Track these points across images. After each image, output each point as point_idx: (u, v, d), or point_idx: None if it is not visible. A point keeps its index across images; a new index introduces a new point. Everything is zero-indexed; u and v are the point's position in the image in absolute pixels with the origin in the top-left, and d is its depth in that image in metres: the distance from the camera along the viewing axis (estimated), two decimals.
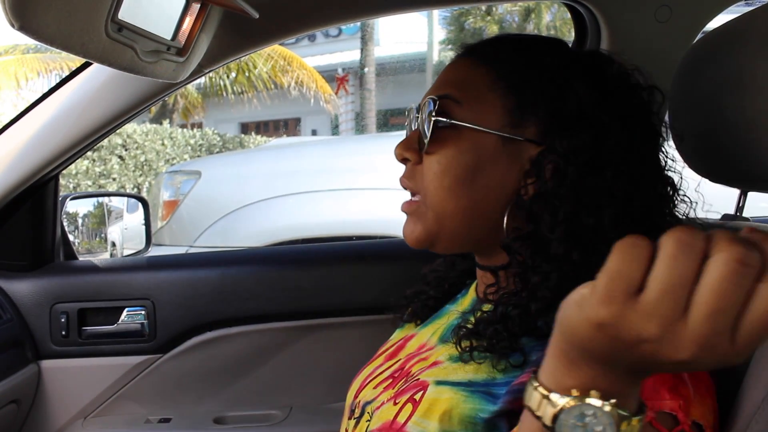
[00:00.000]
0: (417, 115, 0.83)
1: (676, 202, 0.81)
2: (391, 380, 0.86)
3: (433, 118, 0.78)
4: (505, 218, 0.78)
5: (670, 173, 0.81)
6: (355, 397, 0.90)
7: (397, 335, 1.00)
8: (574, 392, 0.47)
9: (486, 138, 0.77)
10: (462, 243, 0.83)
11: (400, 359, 0.90)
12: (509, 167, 0.78)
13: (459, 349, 0.76)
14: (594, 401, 0.46)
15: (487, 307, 0.82)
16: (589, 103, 0.76)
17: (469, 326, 0.78)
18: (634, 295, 0.41)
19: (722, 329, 0.40)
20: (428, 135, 0.79)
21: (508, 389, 0.70)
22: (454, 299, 0.96)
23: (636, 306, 0.41)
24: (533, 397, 0.49)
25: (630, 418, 0.46)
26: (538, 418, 0.48)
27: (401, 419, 0.75)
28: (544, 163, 0.76)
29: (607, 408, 0.46)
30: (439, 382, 0.76)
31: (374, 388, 0.87)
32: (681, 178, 0.82)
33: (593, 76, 0.79)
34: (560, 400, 0.47)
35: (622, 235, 0.45)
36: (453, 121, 0.78)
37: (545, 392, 0.48)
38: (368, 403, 0.85)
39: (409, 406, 0.75)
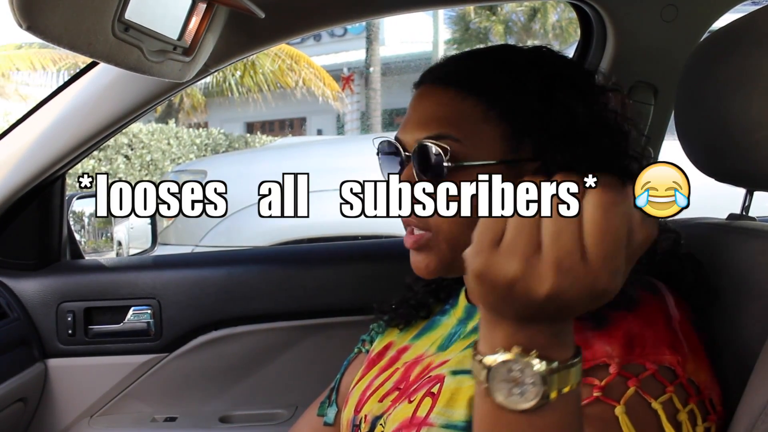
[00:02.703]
0: (406, 154, 0.82)
1: None
2: (397, 392, 0.86)
3: (445, 164, 0.77)
4: None
5: None
6: (356, 411, 0.90)
7: (378, 345, 1.00)
8: (499, 350, 0.51)
9: (491, 169, 0.78)
10: None
11: (398, 369, 0.90)
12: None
13: None
14: (514, 356, 0.50)
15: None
16: (577, 117, 0.78)
17: None
18: (498, 242, 0.47)
19: (570, 249, 0.45)
20: (440, 179, 0.78)
21: None
22: (443, 311, 0.96)
23: (499, 250, 0.47)
24: (473, 365, 0.53)
25: (558, 368, 0.50)
26: (480, 383, 0.52)
27: (421, 413, 0.75)
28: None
29: (528, 360, 0.49)
30: (455, 372, 0.77)
31: (380, 401, 0.87)
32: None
33: (575, 86, 0.81)
34: (487, 360, 0.51)
35: None
36: (464, 163, 0.78)
37: (479, 357, 0.52)
38: (378, 417, 0.85)
39: (428, 400, 0.76)
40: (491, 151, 0.79)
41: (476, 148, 0.78)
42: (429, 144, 0.79)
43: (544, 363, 0.49)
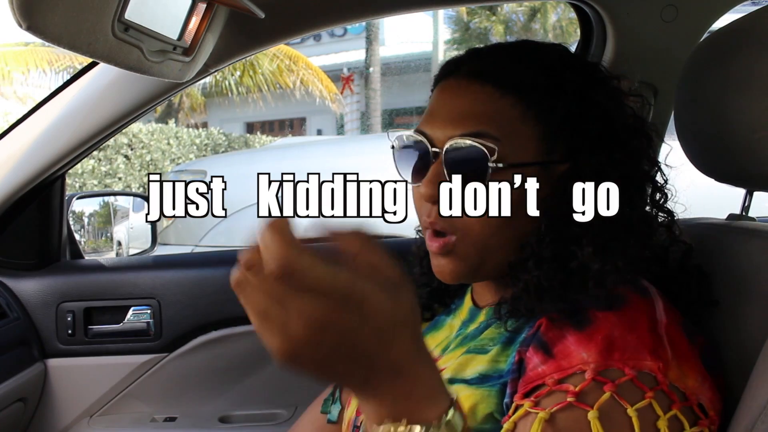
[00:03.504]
0: (435, 150, 0.78)
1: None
2: None
3: (490, 165, 0.75)
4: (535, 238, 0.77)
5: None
6: (358, 413, 0.88)
7: None
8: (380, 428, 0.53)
9: (527, 170, 0.76)
10: (501, 269, 0.80)
11: None
12: (542, 189, 0.76)
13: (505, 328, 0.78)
14: (394, 429, 0.52)
15: (483, 316, 0.84)
16: (613, 119, 0.78)
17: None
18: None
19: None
20: (480, 179, 0.75)
21: (510, 375, 0.73)
22: (448, 310, 0.95)
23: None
24: None
25: (437, 426, 0.52)
26: None
27: None
28: (572, 180, 0.75)
29: (405, 429, 0.52)
30: (451, 381, 0.76)
31: None
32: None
33: (607, 88, 0.81)
34: None
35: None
36: (506, 164, 0.75)
37: None
38: None
39: None
40: (526, 152, 0.77)
41: (513, 148, 0.76)
42: (470, 142, 0.75)
43: (420, 427, 0.52)
